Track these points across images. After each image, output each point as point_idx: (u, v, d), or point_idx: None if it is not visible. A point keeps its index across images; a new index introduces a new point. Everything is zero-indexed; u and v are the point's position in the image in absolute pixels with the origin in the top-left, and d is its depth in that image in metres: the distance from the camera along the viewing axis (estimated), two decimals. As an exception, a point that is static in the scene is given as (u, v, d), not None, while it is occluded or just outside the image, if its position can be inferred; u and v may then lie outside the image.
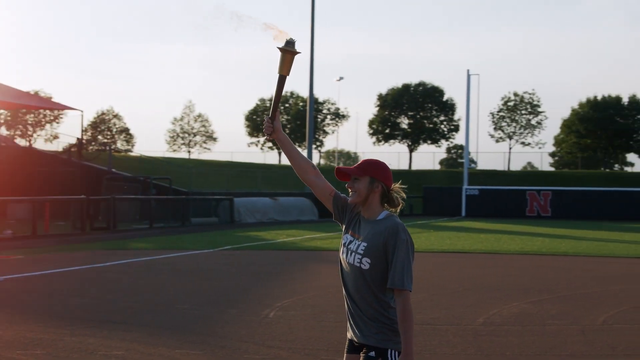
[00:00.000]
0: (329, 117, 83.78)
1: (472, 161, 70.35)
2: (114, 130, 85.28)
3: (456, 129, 78.89)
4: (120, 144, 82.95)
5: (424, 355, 7.53)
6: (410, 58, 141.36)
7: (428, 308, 10.29)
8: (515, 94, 78.28)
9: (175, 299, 11.05)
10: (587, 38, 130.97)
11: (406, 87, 79.16)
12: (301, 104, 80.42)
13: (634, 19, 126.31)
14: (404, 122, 79.44)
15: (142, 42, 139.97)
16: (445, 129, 79.26)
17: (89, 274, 14.27)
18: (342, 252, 3.84)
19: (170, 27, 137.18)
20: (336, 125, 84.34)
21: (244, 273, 14.66)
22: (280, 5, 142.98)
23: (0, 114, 72.39)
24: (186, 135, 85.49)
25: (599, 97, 74.28)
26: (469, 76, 48.22)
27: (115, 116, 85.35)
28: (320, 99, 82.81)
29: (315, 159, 79.70)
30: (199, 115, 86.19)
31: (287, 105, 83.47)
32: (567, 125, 75.90)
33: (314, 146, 73.00)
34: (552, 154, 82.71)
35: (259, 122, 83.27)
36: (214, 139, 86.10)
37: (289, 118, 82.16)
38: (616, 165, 78.49)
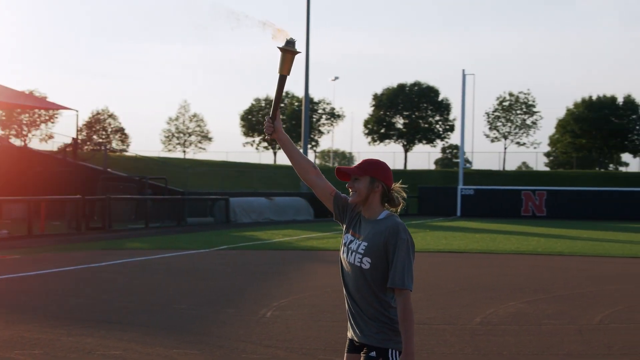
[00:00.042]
0: (324, 117, 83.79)
1: (467, 161, 70.46)
2: (109, 130, 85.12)
3: (451, 128, 79.02)
4: (115, 144, 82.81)
5: (422, 355, 7.54)
6: (405, 58, 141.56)
7: (425, 308, 10.30)
8: (511, 94, 78.39)
9: (171, 299, 11.04)
10: (582, 38, 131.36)
11: (401, 87, 79.24)
12: (296, 103, 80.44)
13: (628, 19, 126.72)
14: (399, 122, 79.52)
15: (137, 42, 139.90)
16: (440, 129, 79.38)
17: (85, 273, 14.25)
18: (343, 252, 3.84)
19: (165, 27, 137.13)
20: (331, 125, 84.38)
21: (240, 273, 14.65)
22: (276, 4, 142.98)
23: (-5, 114, 72.24)
24: (181, 135, 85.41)
25: (594, 97, 74.45)
26: (464, 76, 48.26)
27: (110, 116, 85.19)
28: (316, 99, 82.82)
29: (311, 158, 79.30)
30: (194, 115, 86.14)
31: (282, 105, 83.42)
32: (562, 125, 76.05)
33: (309, 146, 73.05)
34: (547, 154, 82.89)
35: (254, 122, 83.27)
36: (209, 139, 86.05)
37: (284, 118, 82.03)
38: (611, 165, 78.66)
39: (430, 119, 79.06)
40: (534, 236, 25.99)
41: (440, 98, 78.90)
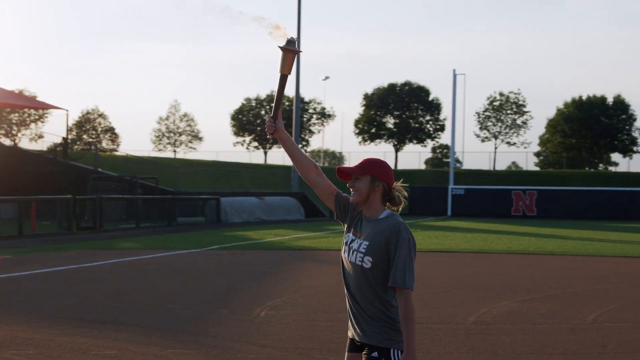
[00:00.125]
0: (314, 116, 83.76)
1: (458, 161, 70.63)
2: (99, 129, 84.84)
3: (442, 128, 79.12)
4: (105, 144, 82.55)
5: (418, 355, 7.50)
6: (396, 58, 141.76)
7: (419, 307, 10.31)
8: (501, 94, 78.55)
9: (165, 299, 11.02)
10: (572, 38, 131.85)
11: (392, 86, 79.28)
12: (287, 103, 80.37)
13: (618, 19, 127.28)
14: (390, 121, 79.56)
15: (126, 42, 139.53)
16: (431, 129, 79.46)
17: (76, 273, 14.20)
18: (344, 251, 3.84)
19: (155, 27, 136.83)
20: (322, 124, 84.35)
21: (233, 272, 14.63)
22: (266, 4, 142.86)
23: (-16, 113, 71.89)
24: (172, 134, 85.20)
25: (584, 97, 74.67)
26: (455, 76, 48.37)
27: (101, 115, 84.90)
28: (306, 99, 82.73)
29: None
30: (185, 115, 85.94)
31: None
32: (552, 125, 76.24)
33: (299, 146, 72.99)
34: (537, 154, 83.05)
35: (244, 121, 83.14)
36: (200, 139, 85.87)
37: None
38: (601, 165, 78.91)
39: (421, 118, 79.14)
40: (525, 236, 26.08)
41: (430, 98, 79.00)
